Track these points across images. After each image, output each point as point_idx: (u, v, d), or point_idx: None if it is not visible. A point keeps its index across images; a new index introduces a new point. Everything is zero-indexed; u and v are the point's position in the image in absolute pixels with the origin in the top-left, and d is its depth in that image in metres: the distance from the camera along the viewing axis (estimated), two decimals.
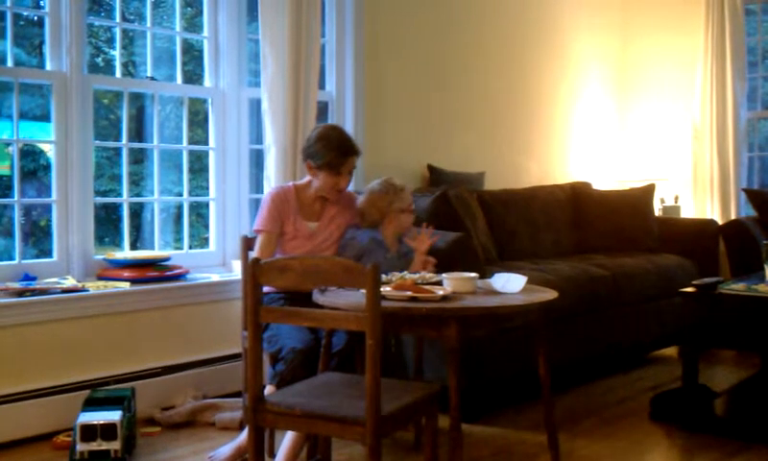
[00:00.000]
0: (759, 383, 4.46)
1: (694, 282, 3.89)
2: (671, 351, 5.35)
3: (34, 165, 5.28)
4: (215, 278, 4.23)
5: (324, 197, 3.56)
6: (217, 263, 4.44)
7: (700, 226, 5.59)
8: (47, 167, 3.93)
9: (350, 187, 4.40)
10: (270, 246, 3.44)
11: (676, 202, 6.22)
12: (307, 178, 3.59)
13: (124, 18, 4.37)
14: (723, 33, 6.08)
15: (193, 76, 4.82)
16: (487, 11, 5.68)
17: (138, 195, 4.99)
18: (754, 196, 5.63)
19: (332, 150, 3.44)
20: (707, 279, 3.93)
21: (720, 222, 5.75)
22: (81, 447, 3.11)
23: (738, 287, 3.77)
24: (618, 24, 6.75)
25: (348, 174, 3.50)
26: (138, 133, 5.19)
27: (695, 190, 6.25)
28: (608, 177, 6.62)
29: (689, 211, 6.25)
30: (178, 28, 4.45)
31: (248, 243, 3.56)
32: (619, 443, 3.59)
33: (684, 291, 3.83)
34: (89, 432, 3.12)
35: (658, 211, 5.99)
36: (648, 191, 5.70)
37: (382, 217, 3.50)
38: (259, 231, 3.48)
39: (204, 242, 4.70)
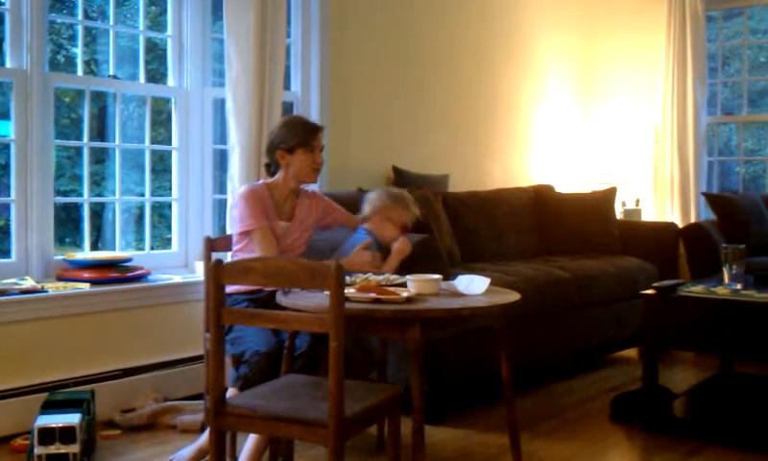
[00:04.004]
0: (718, 384, 4.53)
1: (654, 285, 3.93)
2: (632, 352, 5.42)
3: None
4: (177, 279, 4.20)
5: (297, 190, 3.53)
6: (179, 264, 4.41)
7: (660, 229, 5.66)
8: (6, 166, 3.87)
9: (317, 188, 4.40)
10: (271, 238, 3.36)
11: (637, 205, 6.30)
12: (277, 176, 3.53)
13: (86, 16, 4.32)
14: (684, 37, 6.17)
15: (156, 75, 4.78)
16: (452, 13, 5.70)
17: (99, 195, 4.93)
18: (713, 200, 5.72)
19: (300, 127, 3.47)
20: (667, 282, 3.98)
21: (680, 225, 5.82)
22: (39, 450, 3.07)
23: (697, 289, 3.82)
24: (580, 25, 6.80)
25: (319, 149, 3.50)
26: (100, 132, 5.14)
27: (656, 194, 6.33)
28: (570, 180, 6.68)
29: (650, 215, 6.33)
30: (141, 26, 4.40)
31: (210, 244, 3.52)
32: (580, 443, 3.62)
33: (645, 293, 3.87)
34: (48, 435, 3.07)
35: (619, 214, 6.05)
36: (610, 194, 5.77)
37: (376, 217, 3.56)
38: (253, 231, 3.36)
39: (166, 243, 4.66)
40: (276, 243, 3.39)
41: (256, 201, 3.39)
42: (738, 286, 3.80)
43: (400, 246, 3.51)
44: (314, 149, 3.46)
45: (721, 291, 3.76)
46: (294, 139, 3.44)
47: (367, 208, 3.64)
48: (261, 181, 3.59)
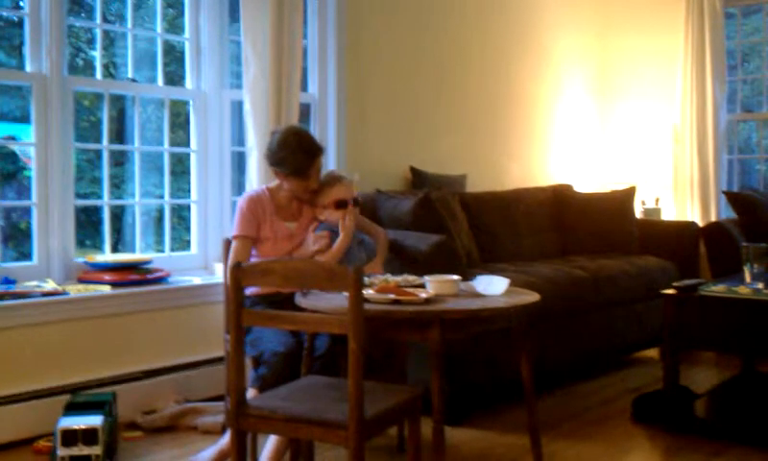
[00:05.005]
0: (740, 384, 4.50)
1: (675, 284, 3.91)
2: (652, 352, 5.38)
3: (13, 167, 5.24)
4: (197, 281, 4.21)
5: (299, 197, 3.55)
6: (199, 266, 4.42)
7: (680, 228, 5.62)
8: (26, 169, 3.90)
9: None
10: (244, 251, 3.39)
11: (657, 204, 6.25)
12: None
13: (104, 19, 4.34)
14: (703, 35, 6.12)
15: (174, 77, 4.79)
16: (468, 13, 5.69)
17: (119, 198, 4.96)
18: (734, 198, 5.67)
19: (298, 156, 3.40)
20: (687, 281, 3.95)
21: (700, 224, 5.78)
22: (61, 451, 3.09)
23: (718, 289, 3.79)
24: (598, 24, 6.77)
25: (316, 174, 3.48)
26: (119, 135, 5.16)
27: (676, 192, 6.29)
28: (589, 179, 6.65)
29: (670, 214, 6.28)
30: (159, 29, 4.42)
31: (229, 246, 3.54)
32: (601, 444, 3.60)
33: (665, 293, 3.84)
34: (70, 437, 3.09)
35: (639, 214, 6.01)
36: (629, 193, 5.73)
37: (319, 210, 3.54)
38: (235, 238, 3.43)
39: (185, 245, 4.68)
40: (247, 257, 3.39)
41: (248, 210, 3.43)
42: (760, 285, 3.77)
43: (346, 223, 3.42)
44: (309, 177, 3.45)
45: (742, 290, 3.73)
46: (291, 167, 3.41)
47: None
48: (264, 186, 3.59)
